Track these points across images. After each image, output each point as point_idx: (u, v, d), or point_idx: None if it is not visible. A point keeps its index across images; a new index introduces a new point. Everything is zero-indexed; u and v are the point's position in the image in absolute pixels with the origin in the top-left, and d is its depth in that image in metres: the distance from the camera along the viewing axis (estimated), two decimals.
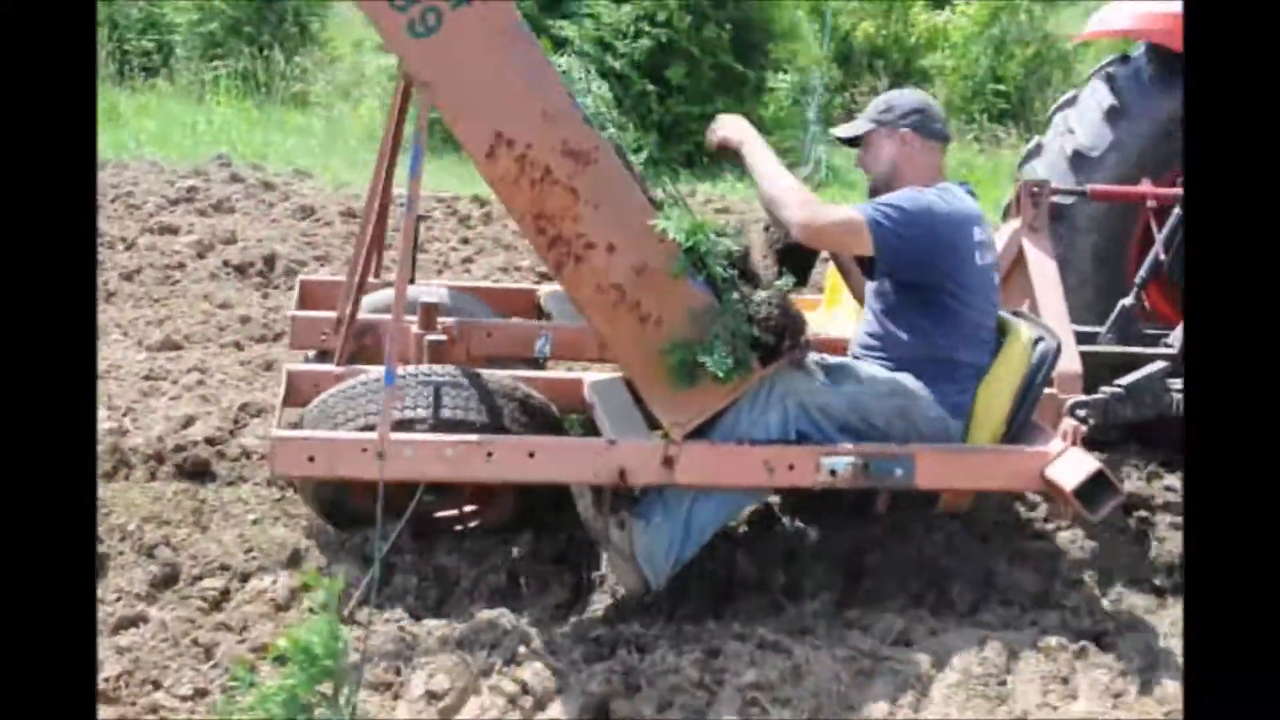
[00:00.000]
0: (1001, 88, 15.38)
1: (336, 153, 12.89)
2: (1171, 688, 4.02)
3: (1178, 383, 4.94)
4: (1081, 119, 6.10)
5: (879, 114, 4.73)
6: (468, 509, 4.85)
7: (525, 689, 3.84)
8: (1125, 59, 6.10)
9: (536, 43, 4.13)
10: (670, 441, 4.29)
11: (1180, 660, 4.14)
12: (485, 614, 4.21)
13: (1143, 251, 5.82)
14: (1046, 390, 4.74)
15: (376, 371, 4.62)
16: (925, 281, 4.50)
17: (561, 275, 4.19)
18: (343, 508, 4.71)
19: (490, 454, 4.25)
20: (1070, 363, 4.80)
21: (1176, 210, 5.38)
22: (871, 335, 4.71)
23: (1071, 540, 5.01)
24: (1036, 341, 4.60)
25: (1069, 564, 4.80)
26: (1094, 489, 4.28)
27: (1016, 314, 4.85)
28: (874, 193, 4.62)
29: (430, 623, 4.20)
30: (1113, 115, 6.00)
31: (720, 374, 4.16)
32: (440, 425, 4.39)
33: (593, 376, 5.01)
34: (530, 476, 4.35)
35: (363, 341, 5.07)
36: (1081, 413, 4.74)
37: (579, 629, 4.25)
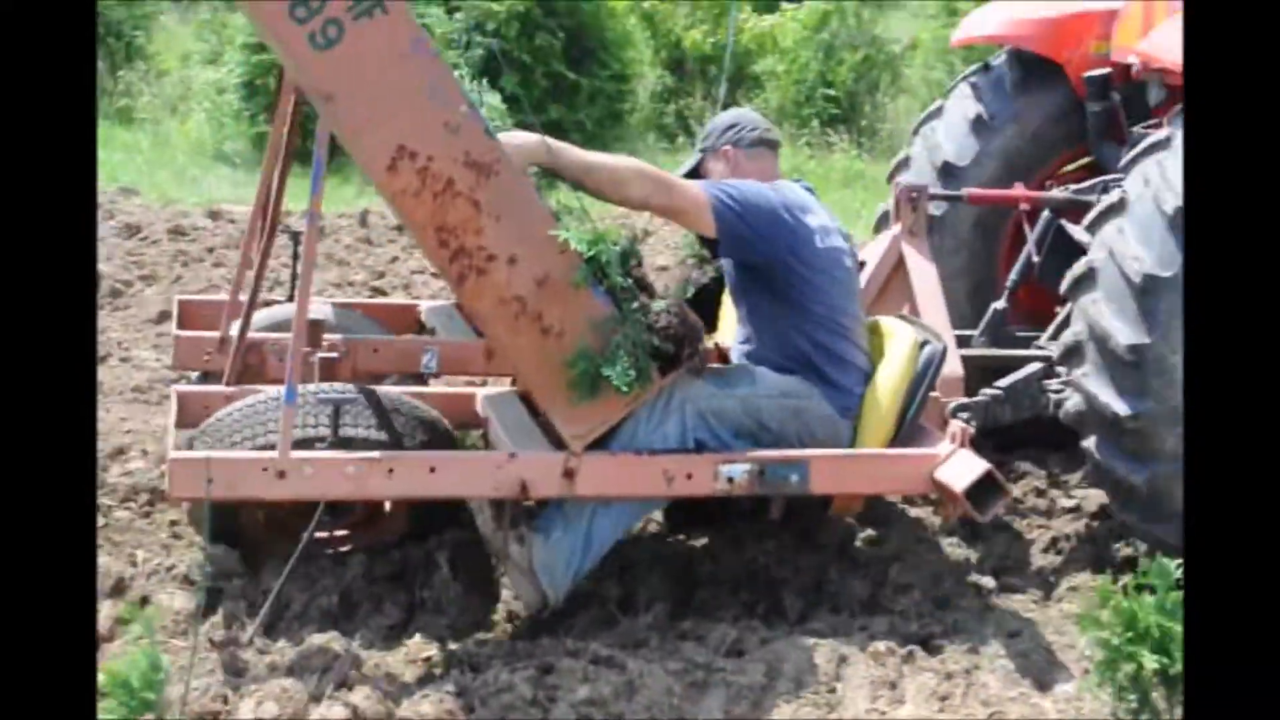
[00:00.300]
0: (832, 92, 15.64)
1: (164, 169, 12.72)
2: (995, 688, 4.16)
3: (1054, 383, 5.16)
4: (986, 90, 6.28)
5: (701, 142, 4.99)
6: (343, 532, 4.88)
7: (357, 714, 3.85)
8: (992, 62, 6.31)
9: (438, 54, 4.18)
10: (571, 453, 4.37)
11: (1005, 662, 4.32)
12: (316, 638, 4.20)
13: (1013, 251, 6.05)
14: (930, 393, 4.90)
15: (271, 391, 4.63)
16: (768, 262, 4.64)
17: (463, 288, 4.24)
18: (236, 531, 4.72)
19: (391, 470, 4.29)
20: (952, 366, 4.97)
21: (1046, 213, 5.60)
22: (742, 342, 4.88)
23: (900, 544, 5.14)
24: (923, 344, 4.78)
25: (897, 569, 4.92)
26: (982, 490, 4.45)
27: (901, 317, 5.02)
28: None
29: (259, 647, 4.21)
30: (1016, 89, 6.20)
31: (623, 385, 4.25)
32: (339, 443, 4.41)
33: (485, 391, 5.06)
34: (432, 492, 4.41)
35: (247, 360, 5.06)
36: (963, 415, 4.90)
37: (412, 650, 4.27)
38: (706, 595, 4.80)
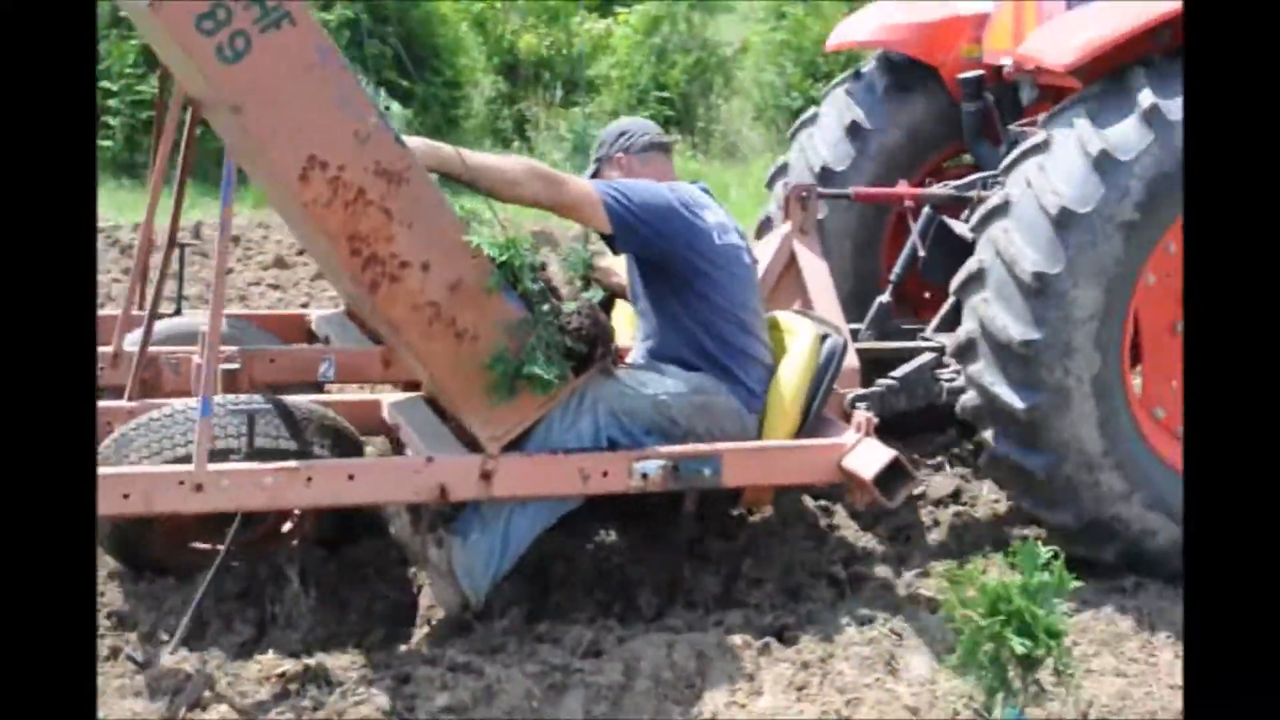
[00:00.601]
0: (666, 95, 15.86)
1: None
2: (851, 676, 4.28)
3: (945, 373, 5.37)
4: (863, 92, 6.48)
5: (596, 153, 5.16)
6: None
7: None
8: (872, 64, 6.51)
9: (346, 64, 4.24)
10: (488, 455, 4.46)
11: (859, 649, 4.44)
12: (167, 659, 4.21)
13: (894, 243, 6.27)
14: None
15: (177, 404, 4.66)
16: (666, 256, 4.80)
17: (376, 296, 4.29)
18: (145, 549, 4.74)
19: (310, 479, 4.34)
20: (849, 358, 5.15)
21: (927, 209, 5.82)
22: (644, 339, 5.02)
23: (750, 538, 5.26)
24: (823, 338, 4.96)
25: (749, 563, 5.03)
26: (889, 477, 4.63)
27: (799, 312, 5.19)
28: None
29: (108, 670, 4.21)
30: (891, 91, 6.42)
31: (544, 384, 4.36)
32: (254, 454, 4.46)
33: (391, 397, 5.12)
34: (351, 500, 4.46)
35: (142, 375, 5.06)
36: (862, 406, 5.09)
37: (265, 667, 4.23)
38: (561, 597, 4.89)
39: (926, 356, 5.42)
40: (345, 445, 4.74)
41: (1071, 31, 5.08)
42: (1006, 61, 5.83)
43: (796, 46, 15.91)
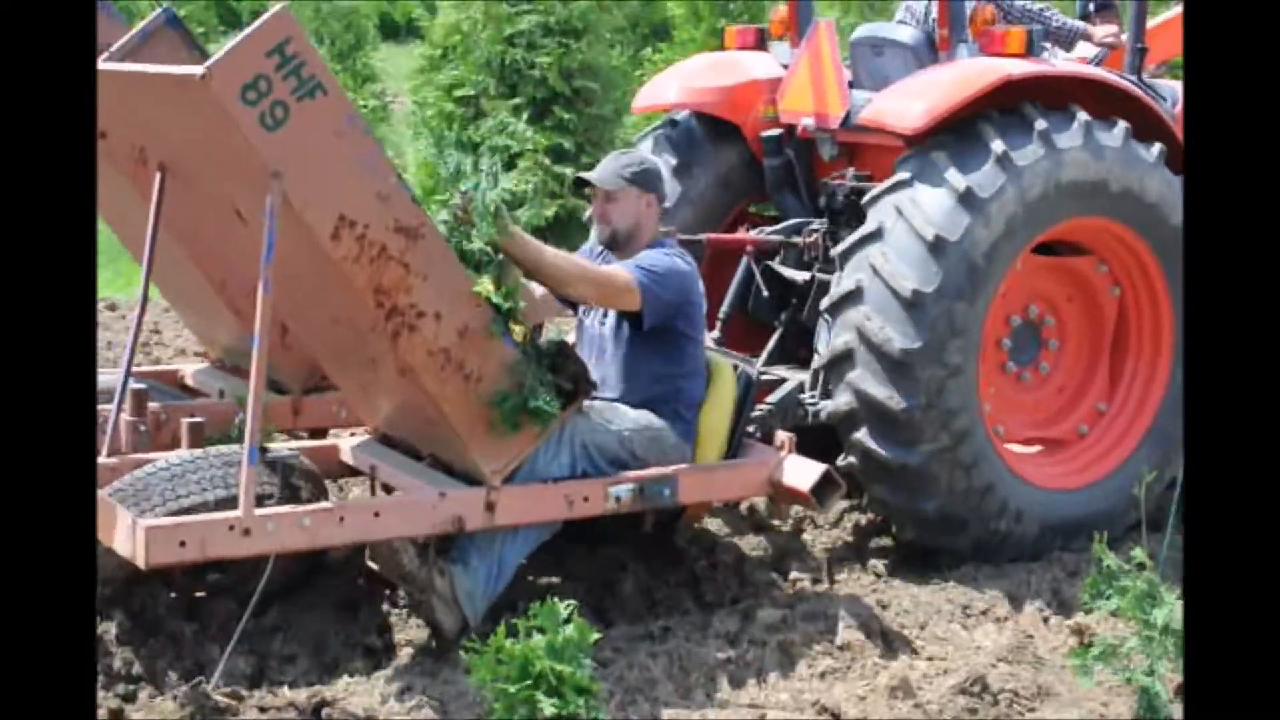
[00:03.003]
0: None
1: None
2: None
3: (806, 397, 6.27)
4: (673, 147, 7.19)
5: (634, 173, 5.65)
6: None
7: None
8: (674, 123, 7.30)
9: (369, 129, 4.80)
10: (491, 487, 5.09)
11: (401, 718, 4.70)
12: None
13: (712, 287, 7.11)
14: None
15: (172, 457, 5.04)
16: (671, 327, 5.56)
17: (397, 344, 4.86)
18: None
19: (342, 519, 4.88)
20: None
21: (749, 253, 6.70)
22: (611, 376, 5.64)
23: (281, 616, 5.32)
24: (736, 368, 5.81)
25: (280, 640, 5.19)
26: (821, 488, 5.50)
27: (707, 347, 6.01)
28: (611, 243, 5.66)
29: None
30: (697, 148, 7.17)
31: (547, 417, 5.03)
32: (284, 499, 4.93)
33: (348, 442, 5.60)
34: (377, 535, 4.98)
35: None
36: (749, 429, 5.94)
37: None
38: None
39: (793, 383, 6.33)
40: (317, 488, 5.22)
41: (913, 99, 6.14)
42: (807, 121, 6.78)
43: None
